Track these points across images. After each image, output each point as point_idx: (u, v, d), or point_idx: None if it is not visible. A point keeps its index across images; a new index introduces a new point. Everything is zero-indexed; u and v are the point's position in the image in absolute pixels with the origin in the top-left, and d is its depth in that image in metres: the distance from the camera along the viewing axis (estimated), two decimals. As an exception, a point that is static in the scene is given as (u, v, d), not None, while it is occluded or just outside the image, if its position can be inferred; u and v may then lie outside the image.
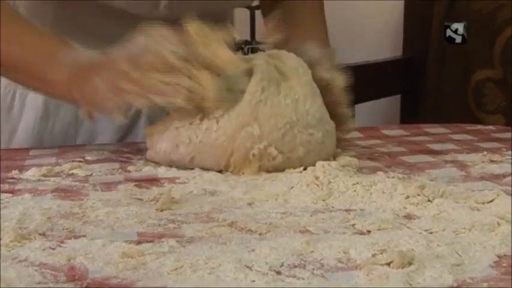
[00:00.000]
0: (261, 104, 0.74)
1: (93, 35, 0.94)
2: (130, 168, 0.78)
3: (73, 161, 0.81)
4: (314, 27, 1.01)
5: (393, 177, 0.66)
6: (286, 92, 0.76)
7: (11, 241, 0.52)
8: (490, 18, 1.77)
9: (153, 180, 0.72)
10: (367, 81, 1.86)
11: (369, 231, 0.54)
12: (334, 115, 0.82)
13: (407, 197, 0.62)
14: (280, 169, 0.74)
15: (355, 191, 0.63)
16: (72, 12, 0.95)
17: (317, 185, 0.65)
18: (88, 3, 0.93)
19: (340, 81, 0.84)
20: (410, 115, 1.98)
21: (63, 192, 0.68)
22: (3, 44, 0.83)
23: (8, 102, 1.00)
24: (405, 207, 0.60)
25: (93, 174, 0.76)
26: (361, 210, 0.61)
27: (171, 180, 0.73)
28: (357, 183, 0.64)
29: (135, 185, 0.70)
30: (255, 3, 2.21)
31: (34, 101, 0.98)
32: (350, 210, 0.61)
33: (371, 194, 0.62)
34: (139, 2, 0.91)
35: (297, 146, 0.75)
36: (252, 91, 0.75)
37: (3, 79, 1.00)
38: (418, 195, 0.61)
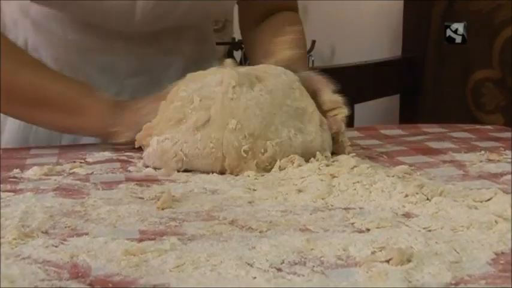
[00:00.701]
0: (234, 100, 0.75)
1: (71, 48, 0.98)
2: (130, 168, 0.79)
3: (74, 161, 0.81)
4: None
5: (393, 176, 0.66)
6: (260, 87, 0.77)
7: (14, 239, 0.52)
8: (488, 19, 1.78)
9: (153, 180, 0.73)
10: (366, 80, 1.87)
11: (368, 229, 0.55)
12: (333, 141, 0.82)
13: (406, 195, 0.62)
14: (275, 160, 0.74)
15: (355, 189, 0.64)
16: (51, 33, 0.99)
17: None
18: (64, 20, 0.96)
19: (344, 109, 0.83)
20: (409, 115, 1.98)
21: (64, 191, 0.68)
22: (34, 78, 0.88)
23: None
24: (404, 206, 0.61)
25: (94, 173, 0.76)
26: (360, 208, 0.61)
27: (172, 179, 0.73)
28: (357, 182, 0.65)
29: (136, 184, 0.71)
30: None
31: None
32: (349, 208, 0.61)
33: (370, 192, 0.63)
34: (113, 16, 0.93)
35: (281, 129, 0.75)
36: (223, 91, 0.75)
37: None
38: (417, 193, 0.62)
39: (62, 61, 0.98)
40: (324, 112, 0.82)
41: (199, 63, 0.99)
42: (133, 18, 0.93)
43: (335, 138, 0.82)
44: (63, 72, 0.94)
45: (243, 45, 2.38)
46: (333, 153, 0.80)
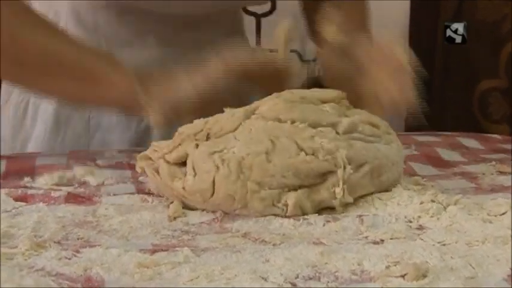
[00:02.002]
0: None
1: (106, 39, 0.95)
2: (141, 178, 0.78)
3: (85, 164, 0.81)
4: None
5: (409, 189, 0.66)
6: None
7: (27, 249, 0.52)
8: (495, 28, 1.78)
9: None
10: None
11: (382, 240, 0.55)
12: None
13: (422, 202, 0.62)
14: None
15: (372, 199, 0.64)
16: (84, 13, 0.95)
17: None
18: (99, 12, 0.93)
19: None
20: (414, 123, 1.98)
21: (76, 199, 0.68)
22: (48, 40, 0.80)
23: (21, 112, 0.99)
24: (419, 216, 0.60)
25: (105, 183, 0.76)
26: (374, 215, 0.61)
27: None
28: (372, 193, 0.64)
29: (147, 193, 0.70)
30: (261, 11, 2.22)
31: (45, 111, 0.98)
32: (363, 215, 0.61)
33: (386, 205, 0.63)
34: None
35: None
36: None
37: (16, 89, 1.01)
38: (433, 201, 0.62)
39: None
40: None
41: None
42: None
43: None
44: None
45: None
46: None
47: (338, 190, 0.62)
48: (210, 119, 0.70)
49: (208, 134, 0.68)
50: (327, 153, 0.63)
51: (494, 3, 1.79)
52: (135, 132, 0.98)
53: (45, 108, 0.98)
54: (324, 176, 0.63)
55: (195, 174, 0.64)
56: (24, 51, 0.80)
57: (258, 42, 2.43)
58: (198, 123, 0.70)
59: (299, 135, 0.65)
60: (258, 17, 2.30)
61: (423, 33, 1.95)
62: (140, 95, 0.77)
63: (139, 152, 0.88)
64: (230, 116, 0.69)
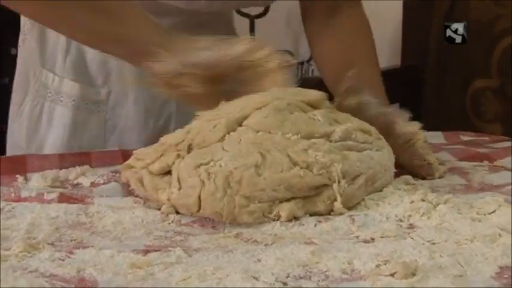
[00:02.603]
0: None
1: None
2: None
3: (78, 165, 0.81)
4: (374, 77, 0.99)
5: (400, 189, 0.67)
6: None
7: (20, 251, 0.53)
8: (488, 28, 1.79)
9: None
10: (366, 90, 1.87)
11: (372, 239, 0.55)
12: (421, 167, 0.78)
13: (412, 201, 0.63)
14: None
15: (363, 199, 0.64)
16: None
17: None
18: None
19: (421, 134, 0.80)
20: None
21: (69, 199, 0.68)
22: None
23: (36, 116, 0.99)
24: (409, 215, 0.61)
25: (96, 181, 0.76)
26: (365, 215, 0.61)
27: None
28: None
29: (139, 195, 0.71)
30: (253, 12, 2.23)
31: (62, 114, 0.97)
32: (353, 215, 0.61)
33: (377, 205, 0.63)
34: None
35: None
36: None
37: (30, 93, 1.00)
38: (423, 200, 0.62)
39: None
40: (401, 145, 0.78)
41: None
42: None
43: (420, 163, 0.78)
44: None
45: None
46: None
47: (337, 205, 0.62)
48: (192, 129, 0.69)
49: (190, 145, 0.67)
50: (321, 168, 0.62)
51: (487, 4, 1.80)
52: (152, 133, 0.98)
53: (61, 112, 0.97)
54: (318, 189, 0.63)
55: (180, 187, 0.63)
56: None
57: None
58: (180, 133, 0.69)
59: (291, 148, 0.63)
60: (252, 18, 2.30)
61: (416, 33, 1.96)
62: (156, 44, 0.75)
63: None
64: (212, 127, 0.67)
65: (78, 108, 0.97)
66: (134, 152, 0.72)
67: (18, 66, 1.04)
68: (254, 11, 2.23)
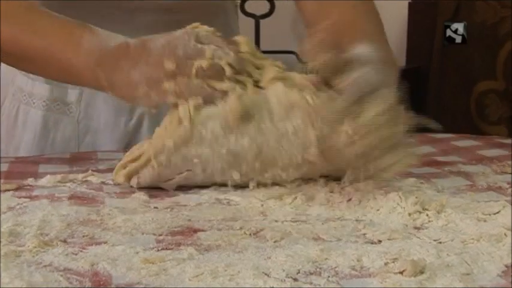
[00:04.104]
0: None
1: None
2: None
3: (86, 170, 0.82)
4: (368, 26, 0.88)
5: (405, 191, 0.67)
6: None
7: (34, 247, 0.54)
8: (492, 31, 1.79)
9: (165, 191, 0.74)
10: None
11: (379, 241, 0.56)
12: None
13: (417, 203, 0.63)
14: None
15: (368, 200, 0.65)
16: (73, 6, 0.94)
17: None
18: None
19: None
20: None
21: (79, 199, 0.69)
22: (24, 35, 0.81)
23: (12, 118, 1.01)
24: (415, 217, 0.62)
25: (106, 182, 0.77)
26: (371, 220, 0.62)
27: (184, 191, 0.74)
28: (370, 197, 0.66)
29: (148, 194, 0.72)
30: (259, 13, 2.24)
31: (35, 116, 0.99)
32: (360, 220, 0.62)
33: (381, 207, 0.64)
34: None
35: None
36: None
37: (8, 96, 1.02)
38: (429, 201, 0.63)
39: None
40: None
41: None
42: None
43: None
44: None
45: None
46: None
47: None
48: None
49: None
50: None
51: (492, 6, 1.81)
52: (125, 133, 0.99)
53: (34, 114, 0.99)
54: None
55: None
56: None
57: (257, 43, 2.44)
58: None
59: None
60: (257, 18, 2.31)
61: (421, 34, 1.96)
62: (100, 79, 0.76)
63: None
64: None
65: (50, 109, 0.99)
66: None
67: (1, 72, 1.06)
68: (259, 11, 2.24)
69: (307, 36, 0.76)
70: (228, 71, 0.70)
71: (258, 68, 0.74)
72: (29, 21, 0.82)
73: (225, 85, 0.71)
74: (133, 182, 0.75)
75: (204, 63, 0.70)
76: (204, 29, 0.74)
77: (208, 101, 0.71)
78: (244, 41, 0.75)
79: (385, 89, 0.71)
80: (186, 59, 0.71)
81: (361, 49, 0.73)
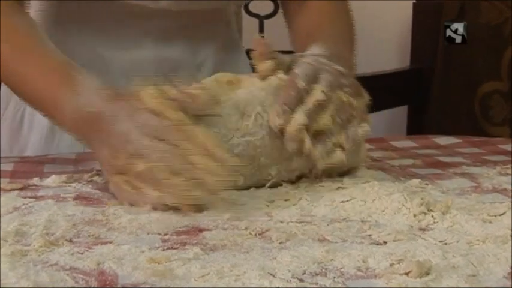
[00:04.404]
0: None
1: (95, 31, 0.96)
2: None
3: (91, 170, 0.83)
4: (332, 29, 0.95)
5: (409, 192, 0.68)
6: None
7: (40, 246, 0.54)
8: (497, 31, 1.79)
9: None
10: (374, 91, 1.88)
11: (385, 242, 0.56)
12: None
13: (422, 204, 0.63)
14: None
15: (372, 202, 0.65)
16: (74, 7, 0.96)
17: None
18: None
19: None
20: (416, 126, 2.00)
21: (84, 200, 0.70)
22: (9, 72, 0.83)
23: (17, 121, 1.02)
24: (419, 221, 0.62)
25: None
26: (376, 221, 0.62)
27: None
28: (374, 198, 0.66)
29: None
30: (264, 13, 2.24)
31: (41, 120, 0.99)
32: (365, 221, 0.62)
33: (386, 208, 0.64)
34: None
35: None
36: None
37: (13, 99, 1.02)
38: (433, 202, 0.63)
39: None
40: None
41: (227, 65, 0.99)
42: None
43: None
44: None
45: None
46: None
47: None
48: None
49: None
50: None
51: (497, 6, 1.81)
52: None
53: (40, 117, 0.99)
54: None
55: None
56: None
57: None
58: None
59: None
60: (261, 18, 2.31)
61: (425, 35, 1.96)
62: (78, 138, 0.79)
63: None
64: None
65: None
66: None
67: None
68: (263, 11, 2.24)
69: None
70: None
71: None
72: (17, 64, 0.82)
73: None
74: None
75: (141, 167, 0.67)
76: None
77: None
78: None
79: (327, 74, 0.73)
80: (132, 159, 0.67)
81: (313, 49, 0.77)
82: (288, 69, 0.75)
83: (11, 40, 0.83)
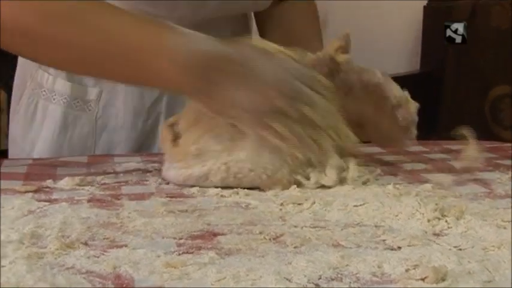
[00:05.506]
0: None
1: None
2: (160, 180, 0.80)
3: (104, 172, 0.83)
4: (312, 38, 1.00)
5: (422, 197, 0.68)
6: None
7: (57, 249, 0.54)
8: (508, 34, 1.79)
9: (185, 195, 0.74)
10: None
11: (399, 247, 0.56)
12: (400, 130, 0.85)
13: (436, 209, 0.63)
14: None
15: (386, 205, 0.65)
16: None
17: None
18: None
19: (414, 103, 0.85)
20: (426, 129, 1.99)
21: (98, 202, 0.70)
22: (91, 36, 0.73)
23: (31, 112, 1.03)
24: (433, 226, 0.62)
25: (126, 184, 0.78)
26: (390, 226, 0.62)
27: (202, 194, 0.74)
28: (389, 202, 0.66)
29: (167, 197, 0.72)
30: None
31: (54, 111, 1.01)
32: (379, 226, 0.62)
33: (400, 212, 0.64)
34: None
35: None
36: None
37: (27, 90, 1.03)
38: (447, 208, 0.63)
39: None
40: (392, 107, 0.83)
41: None
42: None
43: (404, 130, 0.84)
44: None
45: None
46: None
47: None
48: None
49: None
50: None
51: (508, 9, 1.80)
52: (141, 132, 1.01)
53: (53, 110, 1.01)
54: None
55: None
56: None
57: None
58: None
59: None
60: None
61: (435, 38, 1.96)
62: (185, 85, 0.71)
63: (156, 155, 0.91)
64: None
65: (70, 106, 1.00)
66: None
67: (17, 67, 1.08)
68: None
69: None
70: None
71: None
72: (98, 19, 0.74)
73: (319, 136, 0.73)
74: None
75: (307, 110, 0.70)
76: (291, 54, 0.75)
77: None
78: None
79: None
80: (293, 101, 0.69)
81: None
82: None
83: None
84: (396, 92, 0.84)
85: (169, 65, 0.70)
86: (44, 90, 1.01)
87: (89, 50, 0.74)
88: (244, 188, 0.75)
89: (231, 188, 0.75)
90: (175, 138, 0.79)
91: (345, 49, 0.80)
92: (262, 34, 1.06)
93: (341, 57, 0.80)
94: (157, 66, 0.71)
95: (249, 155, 0.74)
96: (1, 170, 0.83)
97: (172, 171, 0.78)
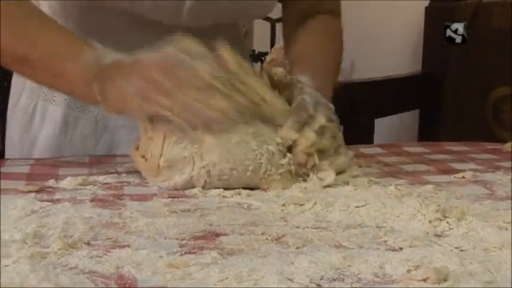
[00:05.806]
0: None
1: (115, 44, 0.96)
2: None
3: (106, 172, 0.83)
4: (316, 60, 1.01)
5: (423, 198, 0.68)
6: None
7: (59, 249, 0.54)
8: (510, 36, 1.79)
9: (187, 195, 0.74)
10: (386, 96, 1.89)
11: (401, 248, 0.56)
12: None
13: (437, 211, 0.64)
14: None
15: (388, 206, 0.65)
16: (94, 20, 0.97)
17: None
18: (110, 12, 0.94)
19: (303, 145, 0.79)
20: (428, 130, 2.00)
21: (101, 202, 0.70)
22: (17, 40, 0.82)
23: (29, 113, 1.03)
24: (434, 227, 0.62)
25: (128, 185, 0.78)
26: (391, 227, 0.63)
27: (204, 194, 0.75)
28: (390, 203, 0.66)
29: (169, 197, 0.73)
30: (275, 16, 2.24)
31: (54, 112, 1.01)
32: (381, 227, 0.63)
33: (401, 213, 0.64)
34: (162, 4, 0.92)
35: None
36: None
37: (26, 91, 1.03)
38: (448, 209, 0.63)
39: None
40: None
41: None
42: (183, 4, 0.92)
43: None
44: None
45: (262, 58, 2.40)
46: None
47: None
48: None
49: None
50: None
51: (510, 11, 1.80)
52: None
53: (53, 110, 1.01)
54: None
55: None
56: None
57: (272, 46, 2.45)
58: None
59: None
60: (273, 21, 2.32)
61: (437, 39, 1.96)
62: (95, 92, 0.79)
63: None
64: None
65: (70, 107, 1.00)
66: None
67: None
68: (275, 14, 2.25)
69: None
70: (211, 80, 0.74)
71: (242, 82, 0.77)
72: (28, 28, 0.84)
73: (207, 97, 0.74)
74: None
75: (187, 72, 0.74)
76: (189, 41, 0.77)
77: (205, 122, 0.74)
78: (229, 56, 0.77)
79: (323, 107, 0.82)
80: (169, 68, 0.75)
81: (300, 77, 0.87)
82: (284, 87, 0.84)
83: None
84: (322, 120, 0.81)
85: (84, 75, 0.80)
86: (44, 91, 1.01)
87: (20, 54, 0.83)
88: (245, 189, 0.75)
89: (233, 188, 0.75)
90: (143, 155, 0.80)
91: (277, 62, 0.84)
92: (286, 45, 1.08)
93: (274, 70, 0.84)
94: (74, 75, 0.81)
95: (221, 154, 0.75)
96: (3, 170, 0.84)
97: (157, 184, 0.78)
